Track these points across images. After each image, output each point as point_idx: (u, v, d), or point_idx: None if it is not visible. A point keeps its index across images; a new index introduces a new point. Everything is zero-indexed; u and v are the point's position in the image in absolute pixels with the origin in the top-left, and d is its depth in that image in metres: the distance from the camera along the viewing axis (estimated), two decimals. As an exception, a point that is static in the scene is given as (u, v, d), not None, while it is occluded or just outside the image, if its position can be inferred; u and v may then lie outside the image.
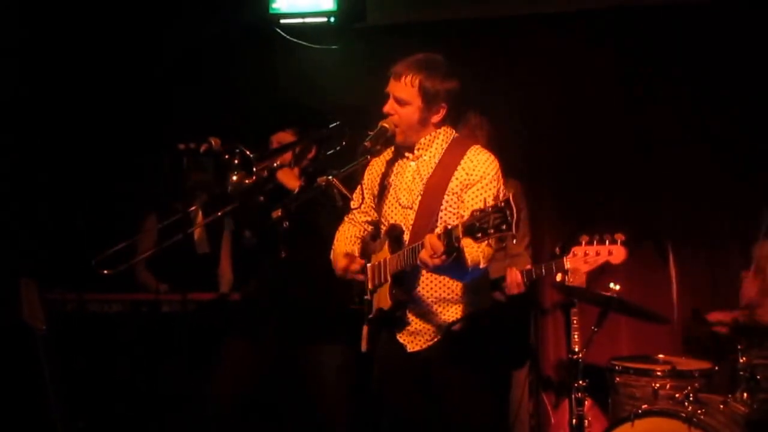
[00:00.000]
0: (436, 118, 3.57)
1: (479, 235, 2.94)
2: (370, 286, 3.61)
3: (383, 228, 3.69)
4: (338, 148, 4.03)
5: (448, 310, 3.54)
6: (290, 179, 4.27)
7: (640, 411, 4.07)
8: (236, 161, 3.91)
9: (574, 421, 4.39)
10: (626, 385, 4.42)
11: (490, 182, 3.45)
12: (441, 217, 3.48)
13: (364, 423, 4.34)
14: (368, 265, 3.64)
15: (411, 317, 3.55)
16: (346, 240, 3.80)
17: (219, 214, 4.82)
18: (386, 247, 3.55)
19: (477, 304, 3.58)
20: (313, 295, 4.21)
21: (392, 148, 3.74)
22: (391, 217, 3.62)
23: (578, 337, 4.51)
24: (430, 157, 3.59)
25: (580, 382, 4.38)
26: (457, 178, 3.49)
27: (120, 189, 5.77)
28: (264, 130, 4.47)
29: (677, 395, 4.12)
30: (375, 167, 3.80)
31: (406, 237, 3.49)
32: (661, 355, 4.64)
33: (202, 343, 4.47)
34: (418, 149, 3.61)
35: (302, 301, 4.21)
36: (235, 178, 3.91)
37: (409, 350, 3.57)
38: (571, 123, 5.59)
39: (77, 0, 5.81)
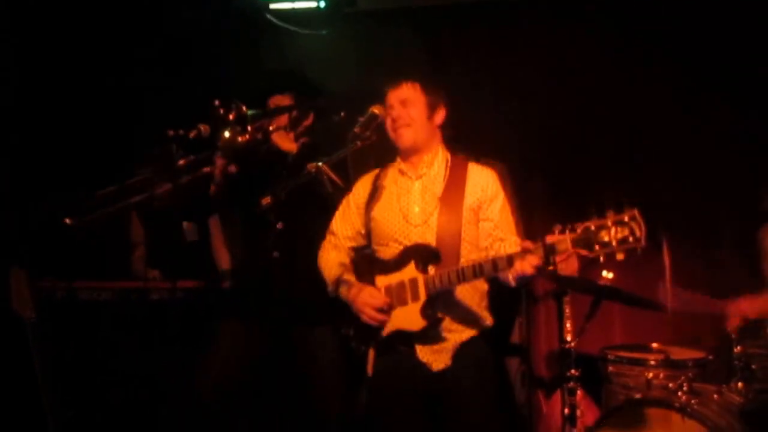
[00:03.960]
0: (438, 119, 3.68)
1: (597, 248, 2.99)
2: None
3: (378, 250, 3.70)
4: (336, 120, 3.98)
5: (467, 326, 3.59)
6: (285, 142, 4.25)
7: (633, 400, 4.05)
8: (231, 116, 3.84)
9: (566, 410, 4.36)
10: (619, 374, 4.41)
11: (504, 195, 3.63)
12: (462, 234, 3.55)
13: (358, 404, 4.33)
14: (382, 287, 3.63)
15: (435, 335, 3.55)
16: (339, 270, 3.77)
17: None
18: (411, 266, 3.53)
19: (486, 316, 3.68)
20: (306, 277, 4.16)
21: (381, 171, 3.80)
22: (397, 236, 3.62)
23: (570, 326, 4.47)
24: (434, 174, 3.67)
25: (573, 371, 4.35)
26: (471, 195, 3.59)
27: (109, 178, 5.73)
28: (262, 97, 4.41)
29: (671, 385, 4.09)
30: (361, 189, 3.81)
31: (439, 260, 3.51)
32: (654, 344, 4.64)
33: (192, 330, 4.45)
34: (421, 167, 3.67)
35: (296, 283, 4.15)
36: (227, 134, 3.84)
37: (434, 369, 3.56)
38: (564, 107, 5.56)
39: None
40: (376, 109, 3.59)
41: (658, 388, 4.17)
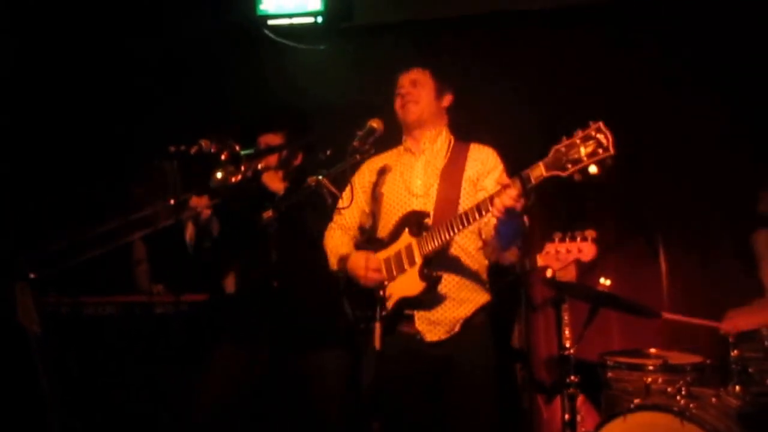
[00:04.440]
0: (446, 102, 3.82)
1: (569, 167, 3.03)
2: (386, 281, 3.65)
3: (379, 228, 3.76)
4: (323, 158, 4.02)
5: (465, 300, 3.64)
6: (274, 181, 4.30)
7: (632, 406, 4.05)
8: (224, 157, 3.90)
9: (566, 416, 4.40)
10: (618, 380, 4.41)
11: (503, 169, 3.70)
12: (460, 204, 3.62)
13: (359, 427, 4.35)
14: (381, 261, 3.68)
15: (434, 305, 3.60)
16: (343, 249, 3.83)
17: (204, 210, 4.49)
18: (405, 234, 3.61)
19: (486, 292, 3.72)
20: (306, 298, 4.20)
21: (386, 154, 3.88)
22: (399, 210, 3.71)
23: (569, 332, 4.51)
24: (437, 150, 3.78)
25: (572, 377, 4.39)
26: (471, 168, 3.70)
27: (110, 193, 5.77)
28: (252, 133, 4.46)
29: (669, 389, 4.11)
30: (366, 171, 3.90)
31: (429, 221, 3.58)
32: (652, 350, 4.64)
33: (196, 344, 4.48)
34: (424, 142, 3.79)
35: (295, 304, 4.19)
36: (219, 174, 3.89)
37: (427, 339, 3.62)
38: (561, 114, 5.56)
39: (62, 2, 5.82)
40: (374, 123, 3.61)
41: (657, 392, 4.18)
